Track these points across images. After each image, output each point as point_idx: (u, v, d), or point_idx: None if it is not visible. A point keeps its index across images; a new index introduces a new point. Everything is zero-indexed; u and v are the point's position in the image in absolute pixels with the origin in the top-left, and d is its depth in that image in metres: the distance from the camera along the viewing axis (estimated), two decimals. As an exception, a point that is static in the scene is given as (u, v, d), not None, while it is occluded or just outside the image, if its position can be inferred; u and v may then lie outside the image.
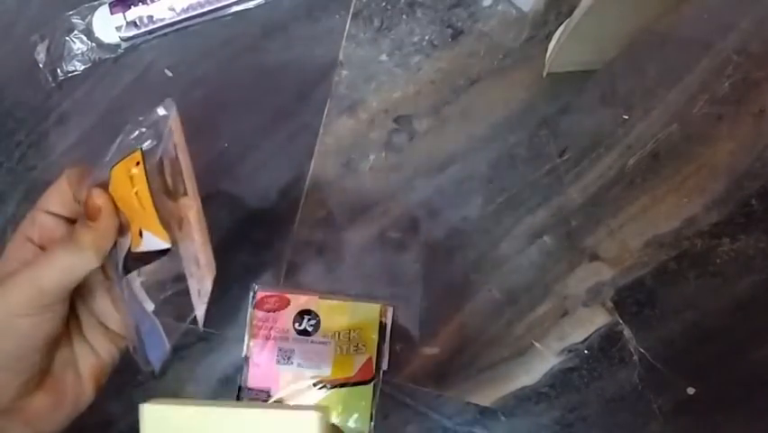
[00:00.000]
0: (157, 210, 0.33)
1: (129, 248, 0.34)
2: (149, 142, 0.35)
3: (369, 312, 0.48)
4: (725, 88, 0.49)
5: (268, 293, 0.49)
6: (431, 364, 0.50)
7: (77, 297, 0.36)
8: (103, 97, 0.52)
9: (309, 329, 0.49)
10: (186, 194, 0.37)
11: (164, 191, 0.36)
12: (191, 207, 0.38)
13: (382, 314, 0.49)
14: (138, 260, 0.34)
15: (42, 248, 0.36)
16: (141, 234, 0.34)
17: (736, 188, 0.49)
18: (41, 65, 0.52)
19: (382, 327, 0.49)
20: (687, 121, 0.49)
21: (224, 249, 0.51)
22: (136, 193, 0.33)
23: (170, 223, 0.35)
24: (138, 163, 0.33)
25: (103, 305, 0.37)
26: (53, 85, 0.52)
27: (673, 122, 0.49)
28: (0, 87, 0.53)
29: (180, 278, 0.37)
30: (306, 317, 0.49)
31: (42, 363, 0.35)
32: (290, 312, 0.49)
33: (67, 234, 0.35)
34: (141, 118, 0.35)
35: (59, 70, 0.52)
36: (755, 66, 0.49)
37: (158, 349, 0.37)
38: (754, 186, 0.48)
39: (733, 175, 0.49)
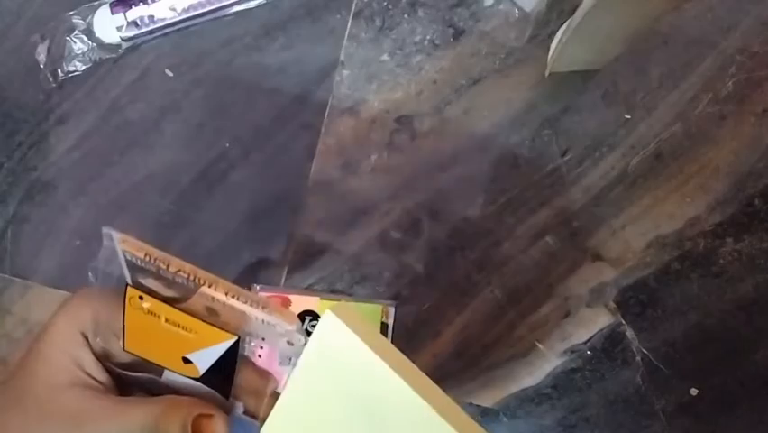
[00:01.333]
0: (195, 317, 0.30)
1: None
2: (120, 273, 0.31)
3: (370, 313, 0.48)
4: (728, 88, 0.49)
5: (269, 294, 0.49)
6: (433, 365, 0.50)
7: None
8: (104, 98, 0.52)
9: (311, 330, 0.48)
10: (198, 283, 0.32)
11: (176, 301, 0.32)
12: (213, 289, 0.33)
13: (384, 314, 0.49)
14: (217, 382, 0.31)
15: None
16: (187, 360, 0.31)
17: (739, 187, 0.48)
18: (41, 65, 0.52)
19: (384, 327, 0.48)
20: (690, 121, 0.49)
21: (225, 250, 0.51)
22: (166, 320, 0.30)
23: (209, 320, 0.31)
24: (141, 297, 0.30)
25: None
26: (54, 85, 0.52)
27: (676, 121, 0.49)
28: (0, 88, 0.53)
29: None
30: (308, 318, 0.48)
31: None
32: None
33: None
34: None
35: (59, 70, 0.52)
36: (758, 65, 0.49)
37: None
38: (758, 185, 0.48)
39: (736, 175, 0.48)
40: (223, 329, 0.30)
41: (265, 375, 0.33)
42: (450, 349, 0.50)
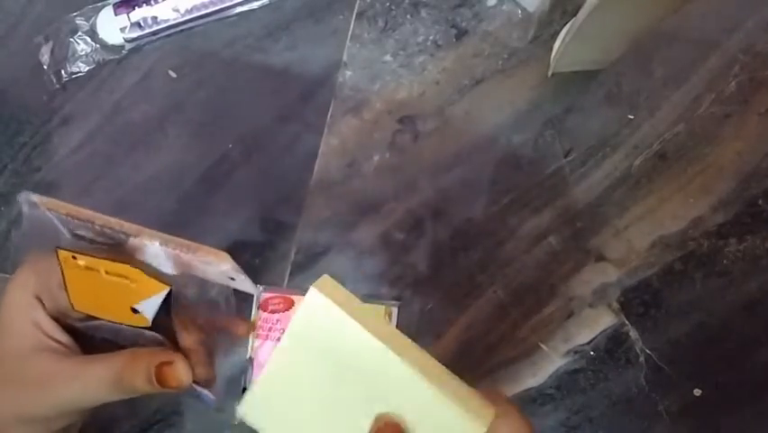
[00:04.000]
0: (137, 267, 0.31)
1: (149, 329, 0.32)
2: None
3: (373, 313, 0.48)
4: (731, 88, 0.49)
5: (272, 294, 0.49)
6: (436, 366, 0.50)
7: None
8: (107, 99, 0.52)
9: (314, 330, 0.48)
10: (127, 234, 0.32)
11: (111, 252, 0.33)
12: (143, 239, 0.33)
13: (387, 315, 0.49)
14: (165, 330, 0.32)
15: None
16: (134, 310, 0.31)
17: (742, 188, 0.48)
18: (45, 66, 0.52)
19: (387, 328, 0.48)
20: (693, 121, 0.49)
21: (228, 250, 0.51)
22: (106, 272, 0.31)
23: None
24: (74, 256, 0.31)
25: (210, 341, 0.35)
26: (57, 86, 0.52)
27: (679, 122, 0.49)
28: (4, 89, 0.53)
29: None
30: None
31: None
32: (294, 313, 0.49)
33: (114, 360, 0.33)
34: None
35: (63, 72, 0.52)
36: (762, 65, 0.49)
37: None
38: (761, 186, 0.48)
39: (739, 175, 0.48)
40: (158, 279, 0.31)
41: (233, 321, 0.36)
42: (453, 350, 0.49)
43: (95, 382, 0.32)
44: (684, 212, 0.49)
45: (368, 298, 0.49)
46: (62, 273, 0.31)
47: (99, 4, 0.51)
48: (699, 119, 0.49)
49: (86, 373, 0.32)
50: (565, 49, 0.45)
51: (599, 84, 0.50)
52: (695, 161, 0.49)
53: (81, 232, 0.32)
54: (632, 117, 0.49)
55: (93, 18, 0.51)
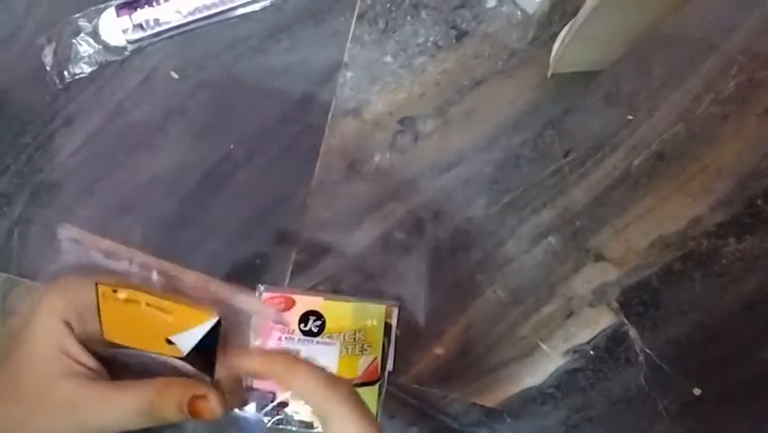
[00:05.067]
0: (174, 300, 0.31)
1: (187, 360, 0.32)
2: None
3: (374, 313, 0.48)
4: (730, 88, 0.49)
5: (273, 294, 0.49)
6: (436, 365, 0.50)
7: None
8: (109, 100, 0.52)
9: (315, 330, 0.49)
10: (164, 272, 0.33)
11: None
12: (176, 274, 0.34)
13: (388, 315, 0.49)
14: (201, 361, 0.32)
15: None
16: (169, 342, 0.32)
17: (741, 187, 0.48)
18: (47, 67, 0.52)
19: (388, 327, 0.49)
20: (692, 121, 0.49)
21: (229, 250, 0.51)
22: (147, 304, 0.31)
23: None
24: (115, 290, 0.31)
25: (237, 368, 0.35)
26: (60, 87, 0.52)
27: (678, 122, 0.49)
28: (7, 90, 0.53)
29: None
30: (312, 318, 0.49)
31: None
32: (296, 313, 0.49)
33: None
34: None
35: (65, 73, 0.52)
36: (760, 66, 0.49)
37: None
38: (760, 186, 0.48)
39: (738, 175, 0.49)
40: (202, 310, 0.31)
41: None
42: (453, 349, 0.50)
43: (124, 408, 0.31)
44: (683, 212, 0.49)
45: (369, 298, 0.50)
46: (98, 305, 0.31)
47: (102, 6, 0.52)
48: (697, 119, 0.49)
49: (116, 399, 0.32)
50: (565, 50, 0.45)
51: (599, 84, 0.50)
52: (694, 161, 0.49)
53: (117, 267, 0.32)
54: (631, 118, 0.49)
55: (95, 19, 0.52)
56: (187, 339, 0.31)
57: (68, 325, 0.32)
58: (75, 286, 0.33)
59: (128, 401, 0.31)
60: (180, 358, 0.32)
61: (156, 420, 0.31)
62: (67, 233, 0.31)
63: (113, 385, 0.32)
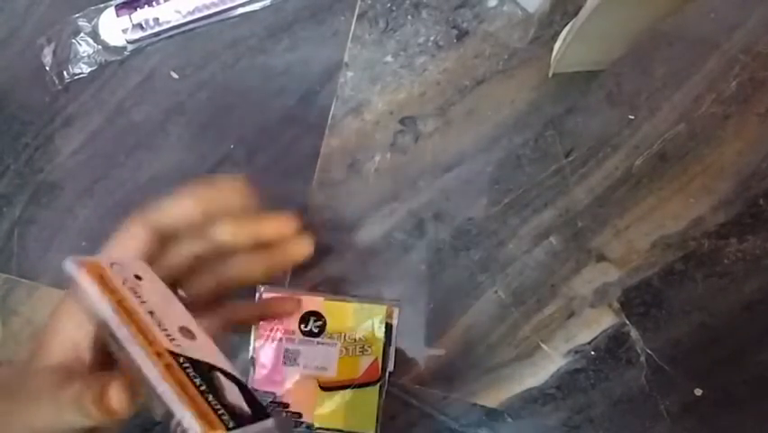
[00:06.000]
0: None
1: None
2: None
3: (375, 313, 0.48)
4: (731, 88, 0.49)
5: (274, 294, 0.49)
6: (437, 366, 0.50)
7: None
8: (109, 100, 0.52)
9: (315, 331, 0.49)
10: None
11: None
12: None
13: (388, 315, 0.49)
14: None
15: None
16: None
17: (743, 188, 0.48)
18: (47, 67, 0.52)
19: (388, 328, 0.49)
20: (693, 121, 0.49)
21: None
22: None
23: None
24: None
25: None
26: (60, 87, 0.52)
27: (680, 122, 0.49)
28: (7, 90, 0.53)
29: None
30: (312, 319, 0.49)
31: None
32: (296, 313, 0.49)
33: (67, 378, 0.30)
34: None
35: (65, 73, 0.52)
36: (762, 65, 0.49)
37: None
38: (762, 186, 0.48)
39: (740, 175, 0.48)
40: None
41: None
42: (454, 349, 0.50)
43: (63, 398, 0.28)
44: (685, 212, 0.49)
45: (370, 298, 0.50)
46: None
47: (101, 6, 0.52)
48: (699, 119, 0.49)
49: (61, 389, 0.29)
50: (566, 49, 0.45)
51: (600, 84, 0.50)
52: (696, 161, 0.49)
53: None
54: (632, 117, 0.49)
55: (95, 19, 0.51)
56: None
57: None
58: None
59: (67, 392, 0.28)
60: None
61: (84, 415, 0.28)
62: (70, 267, 0.29)
63: (69, 377, 0.29)
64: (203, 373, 0.27)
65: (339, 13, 0.51)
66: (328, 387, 0.48)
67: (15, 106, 0.53)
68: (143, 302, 0.29)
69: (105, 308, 0.27)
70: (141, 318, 0.28)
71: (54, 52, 0.52)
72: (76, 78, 0.52)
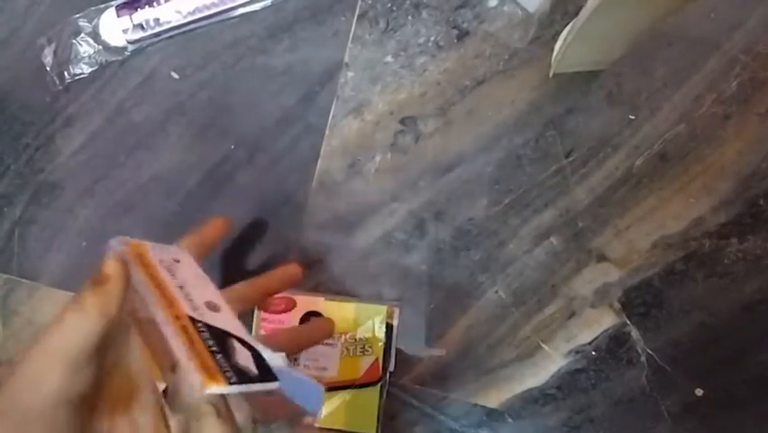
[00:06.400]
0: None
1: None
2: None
3: (375, 314, 0.48)
4: (732, 88, 0.49)
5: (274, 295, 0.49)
6: (438, 366, 0.50)
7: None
8: (110, 100, 0.52)
9: (316, 331, 0.48)
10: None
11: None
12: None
13: (389, 315, 0.49)
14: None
15: None
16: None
17: (743, 188, 0.48)
18: (47, 68, 0.52)
19: (389, 328, 0.49)
20: (694, 121, 0.49)
21: (231, 251, 0.51)
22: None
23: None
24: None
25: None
26: (60, 87, 0.52)
27: (680, 122, 0.49)
28: (7, 90, 0.53)
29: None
30: (313, 319, 0.49)
31: (69, 427, 0.33)
32: (297, 314, 0.49)
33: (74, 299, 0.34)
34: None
35: (65, 73, 0.52)
36: (763, 65, 0.49)
37: (311, 395, 0.33)
38: (762, 186, 0.48)
39: (740, 175, 0.48)
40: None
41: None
42: (455, 350, 0.50)
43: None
44: (685, 212, 0.49)
45: (370, 298, 0.50)
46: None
47: (102, 6, 0.52)
48: (700, 119, 0.49)
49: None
50: (566, 49, 0.45)
51: (600, 84, 0.50)
52: (696, 161, 0.49)
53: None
54: (633, 118, 0.49)
55: (96, 20, 0.51)
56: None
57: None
58: None
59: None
60: None
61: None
62: (114, 243, 0.31)
63: None
64: (218, 337, 0.30)
65: (339, 13, 0.51)
66: (329, 387, 0.48)
67: (16, 107, 0.53)
68: (174, 278, 0.32)
69: (135, 273, 0.30)
70: (168, 290, 0.31)
71: (55, 53, 0.52)
72: (76, 78, 0.52)
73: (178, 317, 0.30)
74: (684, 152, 0.49)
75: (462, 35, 0.51)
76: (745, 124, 0.49)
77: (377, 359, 0.48)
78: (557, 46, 0.48)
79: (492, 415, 0.49)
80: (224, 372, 0.28)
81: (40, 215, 0.52)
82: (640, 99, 0.49)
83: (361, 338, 0.48)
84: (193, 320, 0.30)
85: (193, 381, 0.27)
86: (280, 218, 0.51)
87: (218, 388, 0.27)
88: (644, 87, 0.49)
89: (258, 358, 0.30)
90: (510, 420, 0.49)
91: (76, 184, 0.52)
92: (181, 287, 0.32)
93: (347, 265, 0.50)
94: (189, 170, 0.52)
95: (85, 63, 0.52)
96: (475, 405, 0.49)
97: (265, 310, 0.49)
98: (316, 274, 0.51)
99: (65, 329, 0.31)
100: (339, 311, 0.49)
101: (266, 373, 0.30)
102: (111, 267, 0.31)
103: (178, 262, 0.34)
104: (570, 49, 0.45)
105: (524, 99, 0.50)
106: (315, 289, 0.50)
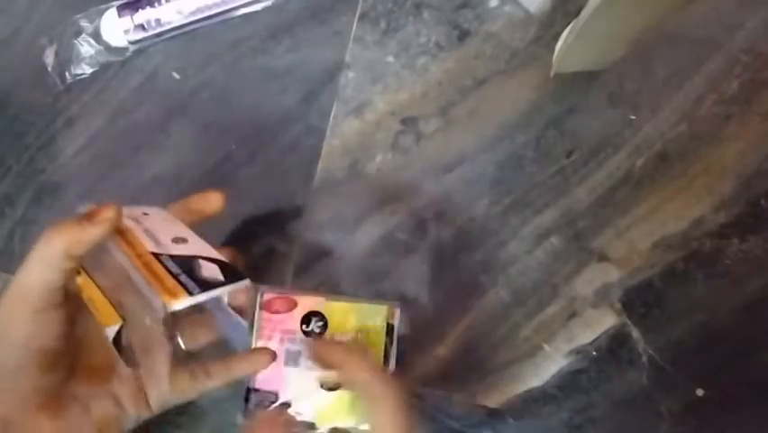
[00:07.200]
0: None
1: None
2: None
3: (376, 314, 0.48)
4: (733, 88, 0.49)
5: (275, 295, 0.49)
6: (438, 366, 0.50)
7: (135, 352, 0.36)
8: (111, 100, 0.52)
9: (317, 331, 0.48)
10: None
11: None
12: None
13: (390, 315, 0.49)
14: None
15: None
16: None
17: (744, 188, 0.48)
18: (49, 68, 0.52)
19: (390, 328, 0.48)
20: (695, 121, 0.49)
21: (230, 251, 0.51)
22: (88, 299, 0.35)
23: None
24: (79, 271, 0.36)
25: (156, 365, 0.36)
26: (62, 88, 0.52)
27: (681, 122, 0.49)
28: (9, 91, 0.53)
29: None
30: (314, 319, 0.49)
31: (43, 381, 0.34)
32: (297, 314, 0.49)
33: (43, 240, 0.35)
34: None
35: (67, 73, 0.52)
36: (764, 65, 0.49)
37: (237, 329, 0.38)
38: (763, 186, 0.48)
39: (741, 175, 0.48)
40: (115, 311, 0.35)
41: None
42: (455, 350, 0.50)
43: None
44: (686, 212, 0.49)
45: (371, 299, 0.50)
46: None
47: (103, 7, 0.52)
48: (700, 119, 0.49)
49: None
50: (567, 49, 0.45)
51: (601, 84, 0.50)
52: (697, 161, 0.49)
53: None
54: (634, 118, 0.49)
55: (97, 20, 0.52)
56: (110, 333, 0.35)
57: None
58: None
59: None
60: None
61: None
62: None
63: None
64: (182, 263, 0.33)
65: (340, 13, 0.51)
66: (330, 387, 0.48)
67: (17, 107, 0.53)
68: (140, 224, 0.36)
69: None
70: (133, 234, 0.35)
71: (56, 53, 0.52)
72: (78, 78, 0.52)
73: (139, 255, 0.33)
74: (685, 152, 0.49)
75: (463, 35, 0.51)
76: (746, 125, 0.49)
77: (377, 359, 0.48)
78: (558, 46, 0.48)
79: (493, 415, 0.49)
80: (188, 289, 0.31)
81: (41, 215, 0.52)
82: (641, 99, 0.49)
83: (361, 338, 0.48)
84: (156, 255, 0.33)
85: (156, 305, 0.30)
86: (281, 218, 0.51)
87: (180, 302, 0.30)
88: (645, 87, 0.49)
89: (225, 267, 0.34)
90: (511, 420, 0.49)
91: (77, 184, 0.52)
92: (146, 230, 0.36)
93: (348, 265, 0.50)
94: (190, 170, 0.52)
95: (86, 63, 0.52)
96: (476, 405, 0.49)
97: (266, 310, 0.49)
98: (317, 274, 0.51)
99: (29, 268, 0.33)
100: (340, 311, 0.49)
101: (233, 276, 0.34)
102: (105, 211, 0.35)
103: (146, 214, 0.38)
104: (570, 49, 0.45)
105: (525, 99, 0.50)
106: (316, 288, 0.51)
